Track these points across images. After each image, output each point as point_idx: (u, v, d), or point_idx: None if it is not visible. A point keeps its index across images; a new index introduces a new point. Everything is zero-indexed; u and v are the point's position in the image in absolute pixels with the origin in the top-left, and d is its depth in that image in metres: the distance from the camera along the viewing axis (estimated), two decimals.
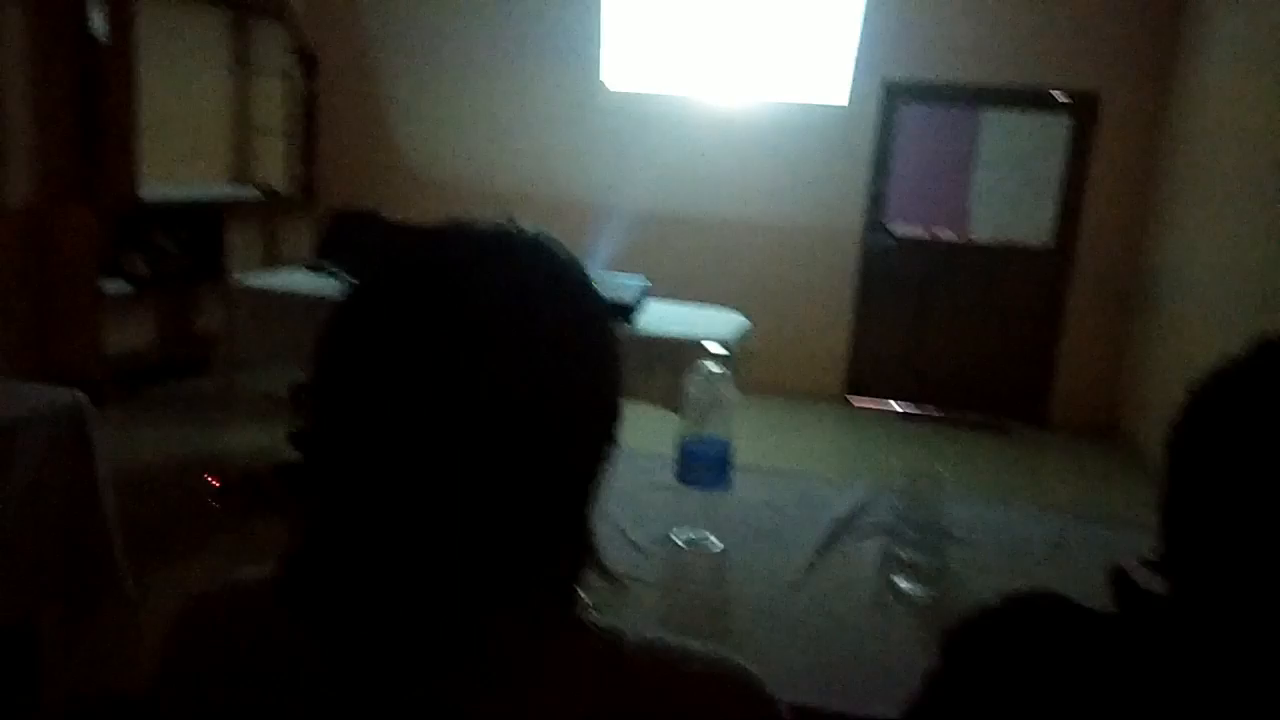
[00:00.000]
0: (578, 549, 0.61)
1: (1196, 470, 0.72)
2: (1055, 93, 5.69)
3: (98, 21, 4.51)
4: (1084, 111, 5.68)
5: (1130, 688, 0.72)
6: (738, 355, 3.68)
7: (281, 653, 0.59)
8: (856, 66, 5.76)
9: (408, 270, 0.58)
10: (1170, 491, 0.74)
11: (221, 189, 5.87)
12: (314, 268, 4.21)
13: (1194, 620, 0.72)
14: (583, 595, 0.62)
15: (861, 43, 5.72)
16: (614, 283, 3.53)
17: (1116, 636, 0.74)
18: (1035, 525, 1.63)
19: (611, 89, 6.12)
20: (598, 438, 0.60)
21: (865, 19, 5.70)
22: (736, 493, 1.54)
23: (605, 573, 0.63)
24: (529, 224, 0.61)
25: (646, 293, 3.65)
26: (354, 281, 0.59)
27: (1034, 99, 5.73)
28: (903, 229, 6.04)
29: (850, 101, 5.82)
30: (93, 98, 4.62)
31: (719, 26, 5.88)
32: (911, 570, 1.35)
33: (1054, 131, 5.78)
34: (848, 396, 6.13)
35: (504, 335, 0.55)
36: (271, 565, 0.60)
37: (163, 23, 5.22)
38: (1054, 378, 5.93)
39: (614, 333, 0.62)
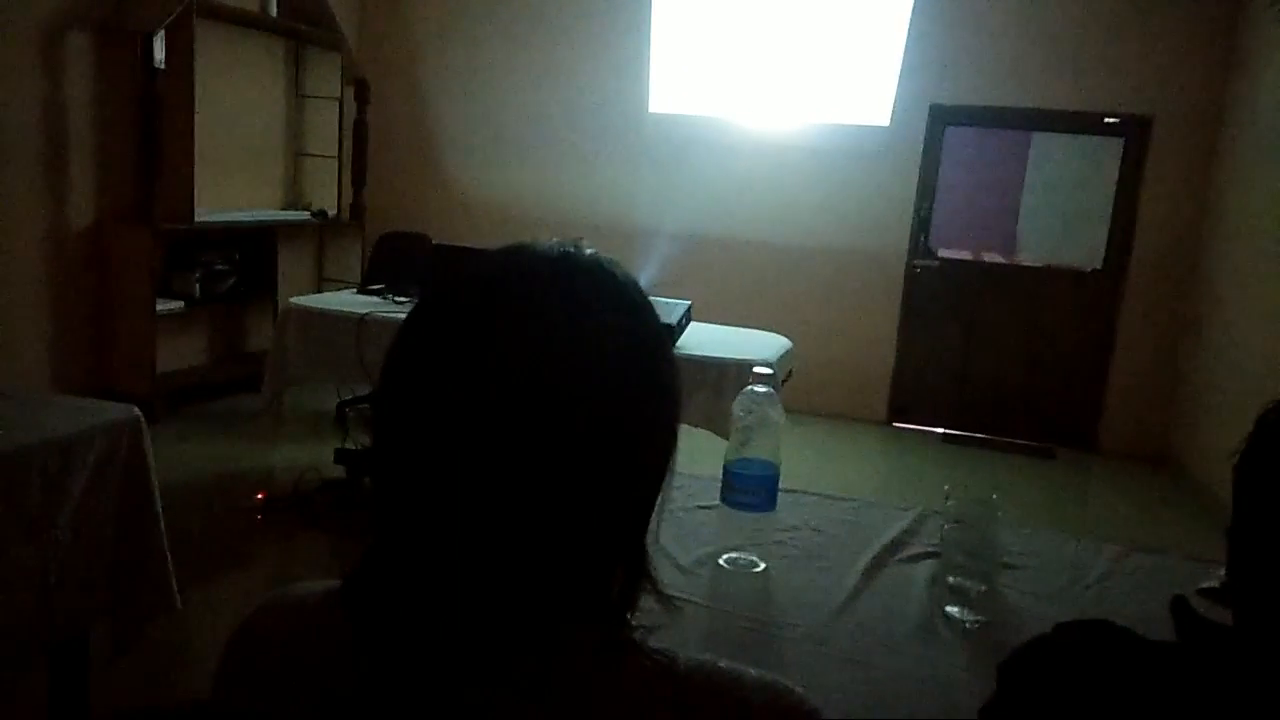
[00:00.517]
0: (633, 570, 0.61)
1: (1264, 498, 0.70)
2: (1109, 119, 5.62)
3: (157, 49, 4.65)
4: (1136, 134, 5.60)
5: (1192, 719, 0.70)
6: (781, 378, 3.67)
7: (340, 666, 0.60)
8: (901, 89, 5.74)
9: (472, 291, 0.59)
10: (1237, 519, 0.72)
11: (274, 212, 6.00)
12: (362, 289, 4.28)
13: (1259, 651, 0.70)
14: (632, 618, 0.62)
15: (909, 67, 5.70)
16: (658, 304, 3.53)
17: (1177, 667, 0.73)
18: (1085, 552, 1.60)
19: (657, 112, 6.16)
20: (656, 459, 0.60)
21: (912, 45, 5.68)
22: (782, 515, 1.53)
23: (661, 595, 0.63)
24: (591, 247, 0.62)
25: (690, 314, 3.66)
26: (419, 302, 0.60)
27: (1085, 122, 5.67)
28: (950, 252, 5.98)
29: (896, 124, 5.80)
30: (151, 123, 4.75)
31: (762, 48, 5.90)
32: (960, 595, 1.33)
33: (1106, 154, 5.70)
34: (892, 420, 6.07)
35: (567, 356, 0.56)
36: (329, 579, 0.61)
37: (220, 51, 5.37)
38: (1104, 402, 5.82)
39: (673, 355, 0.62)
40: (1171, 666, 0.73)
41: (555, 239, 0.62)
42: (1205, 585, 1.44)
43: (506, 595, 0.55)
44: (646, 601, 0.63)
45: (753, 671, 0.61)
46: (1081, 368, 5.85)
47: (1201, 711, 0.70)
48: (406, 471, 0.57)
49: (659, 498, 0.61)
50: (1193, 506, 4.72)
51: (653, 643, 0.61)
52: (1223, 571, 1.41)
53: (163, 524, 2.20)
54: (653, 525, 0.62)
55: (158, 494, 2.19)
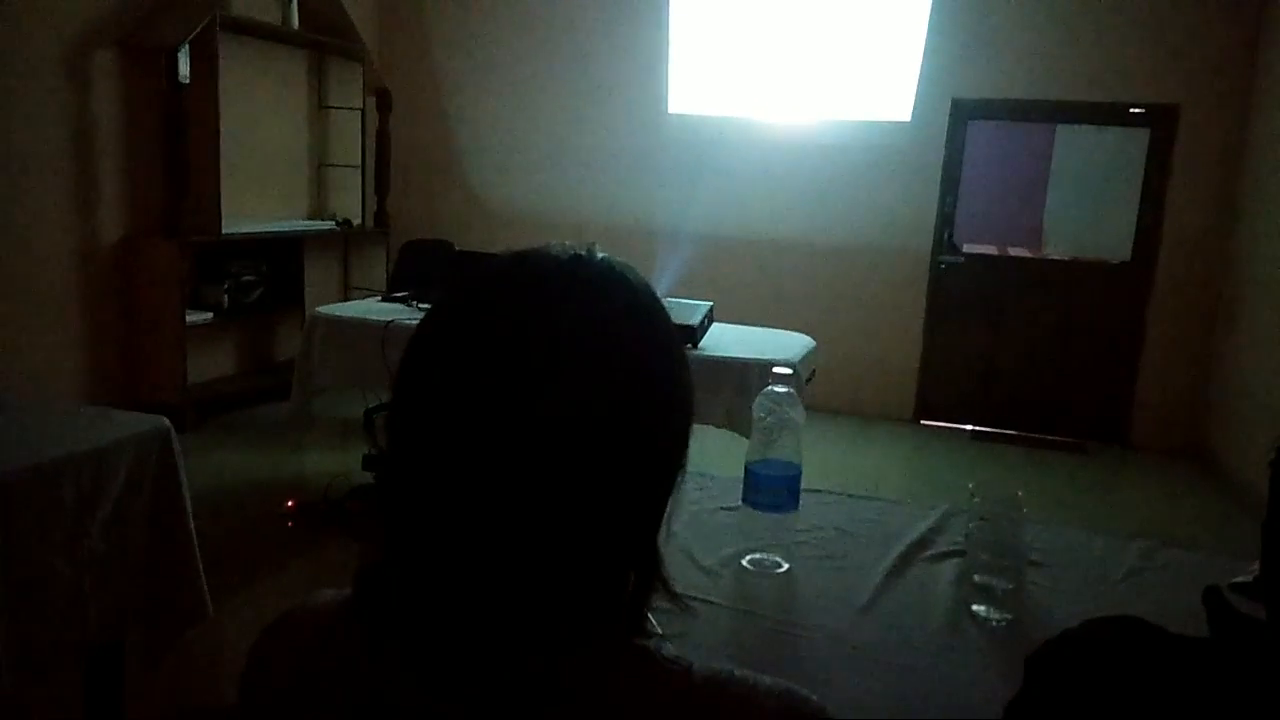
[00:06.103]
0: (646, 573, 0.61)
1: None
2: (1134, 109, 5.55)
3: (182, 64, 4.71)
4: (1163, 124, 5.53)
5: (1223, 714, 0.69)
6: (805, 377, 3.65)
7: (358, 673, 0.61)
8: (923, 84, 5.71)
9: (483, 296, 0.59)
10: (1272, 514, 0.71)
11: (299, 222, 6.06)
12: (388, 297, 4.31)
13: None
14: (653, 623, 0.62)
15: (930, 62, 5.67)
16: (679, 306, 3.54)
17: (1208, 660, 0.72)
18: (1114, 549, 1.58)
19: (676, 112, 6.16)
20: (667, 462, 0.60)
21: (933, 39, 5.64)
22: (805, 515, 1.53)
23: (674, 597, 0.63)
24: (603, 249, 0.62)
25: (712, 315, 3.65)
26: (431, 307, 0.61)
27: (1110, 113, 5.60)
28: (975, 247, 5.93)
29: (918, 119, 5.76)
30: (178, 137, 4.81)
31: (781, 46, 5.88)
32: (986, 594, 1.32)
33: (1132, 145, 5.63)
34: (920, 418, 6.03)
35: (577, 359, 0.56)
36: (350, 586, 0.62)
37: (244, 64, 5.44)
38: (1135, 396, 5.74)
39: (685, 357, 0.63)
40: (1202, 660, 0.72)
41: (568, 242, 0.62)
42: (1238, 580, 1.42)
43: (518, 601, 0.56)
44: (668, 606, 0.63)
45: (768, 679, 0.60)
46: (1112, 361, 5.78)
47: (1232, 706, 0.69)
48: (419, 474, 0.57)
49: (669, 500, 0.61)
50: (1226, 500, 4.65)
51: (673, 647, 0.61)
52: (1255, 566, 1.39)
53: (194, 532, 2.23)
54: (664, 527, 0.62)
55: (189, 503, 2.21)
